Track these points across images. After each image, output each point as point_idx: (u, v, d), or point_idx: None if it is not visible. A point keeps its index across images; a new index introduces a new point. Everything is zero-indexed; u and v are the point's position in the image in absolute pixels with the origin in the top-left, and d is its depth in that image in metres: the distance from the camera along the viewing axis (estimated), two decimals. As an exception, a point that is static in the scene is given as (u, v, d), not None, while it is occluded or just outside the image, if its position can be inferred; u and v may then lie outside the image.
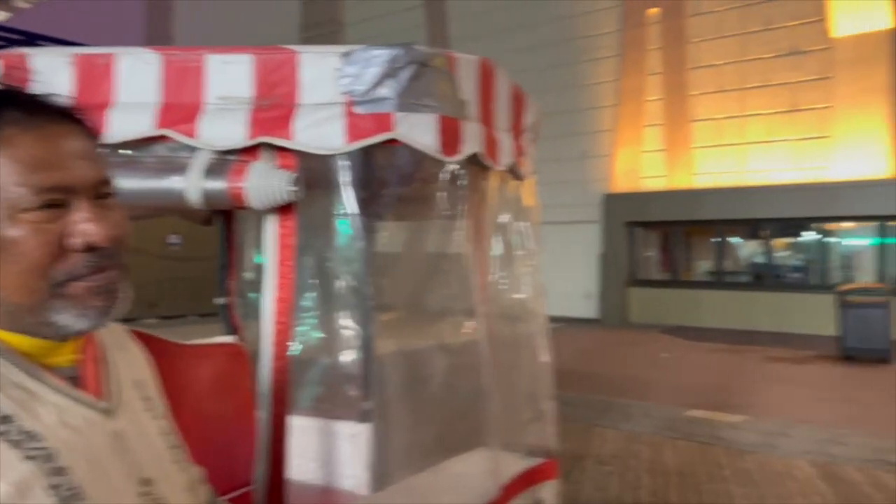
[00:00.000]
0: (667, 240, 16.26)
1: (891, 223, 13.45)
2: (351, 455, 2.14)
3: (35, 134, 0.78)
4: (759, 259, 15.32)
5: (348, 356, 1.82)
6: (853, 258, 14.40)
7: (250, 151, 1.58)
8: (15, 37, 15.28)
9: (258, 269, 2.81)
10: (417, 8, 17.85)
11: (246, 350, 2.69)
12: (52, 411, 0.80)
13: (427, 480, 1.99)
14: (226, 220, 2.87)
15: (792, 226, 14.72)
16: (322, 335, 1.66)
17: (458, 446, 2.00)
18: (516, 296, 2.18)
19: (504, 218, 2.13)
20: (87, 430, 0.82)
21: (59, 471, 0.76)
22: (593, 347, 11.97)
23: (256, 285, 2.83)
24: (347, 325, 1.79)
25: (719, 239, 15.48)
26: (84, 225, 0.79)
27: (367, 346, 1.85)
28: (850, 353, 10.12)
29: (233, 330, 2.89)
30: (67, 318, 0.80)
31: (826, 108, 13.62)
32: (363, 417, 2.09)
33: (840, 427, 6.47)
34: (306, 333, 1.65)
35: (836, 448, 5.81)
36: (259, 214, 1.65)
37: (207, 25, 17.90)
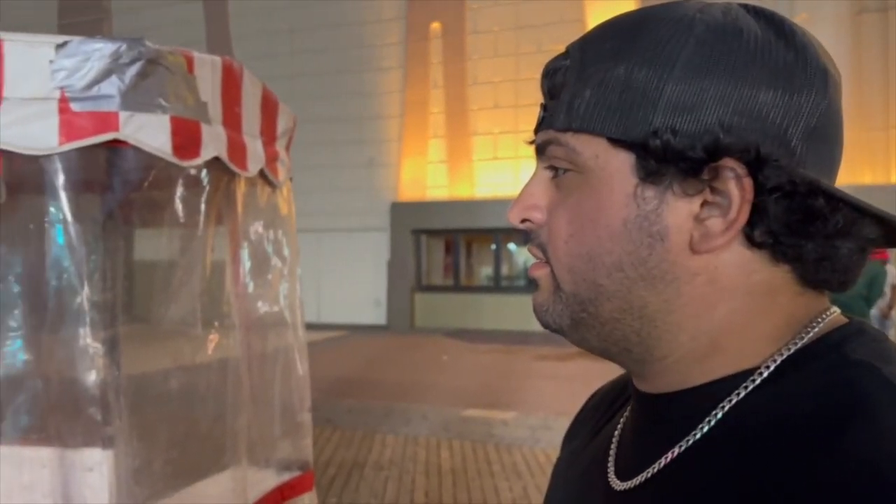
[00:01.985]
0: (450, 247, 16.95)
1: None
2: (92, 485, 1.94)
3: None
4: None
5: (84, 377, 1.65)
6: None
7: (-60, 149, 1.37)
8: None
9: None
10: (195, 1, 16.93)
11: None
12: None
13: (170, 506, 1.86)
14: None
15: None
16: (28, 357, 1.48)
17: (203, 469, 1.90)
18: (270, 307, 2.11)
19: (256, 226, 2.06)
20: None
21: None
22: (379, 354, 12.11)
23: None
24: (82, 342, 1.61)
25: (497, 246, 16.43)
26: None
27: (103, 366, 1.68)
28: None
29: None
30: None
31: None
32: (105, 444, 1.90)
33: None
34: (13, 355, 1.46)
35: (590, 436, 6.38)
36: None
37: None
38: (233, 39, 16.44)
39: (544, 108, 0.57)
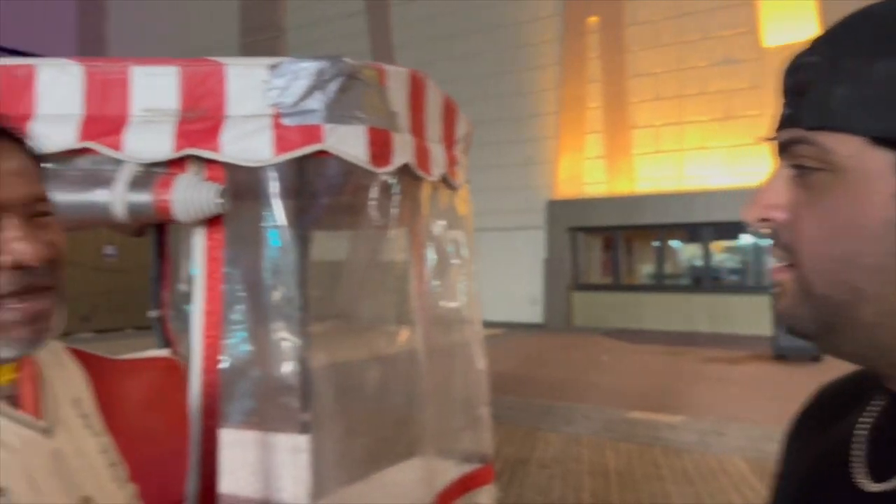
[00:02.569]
0: (608, 244, 16.60)
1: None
2: (290, 467, 2.13)
3: None
4: (698, 262, 15.76)
5: (285, 368, 1.82)
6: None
7: (177, 164, 1.57)
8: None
9: (193, 280, 2.78)
10: (359, 14, 17.81)
11: (179, 363, 2.66)
12: None
13: (362, 490, 1.99)
14: (158, 231, 2.82)
15: (729, 229, 15.21)
16: (251, 348, 1.65)
17: (393, 456, 2.02)
18: (451, 304, 2.20)
19: (438, 227, 2.16)
20: (25, 450, 0.81)
21: None
22: (537, 352, 12.11)
23: (190, 297, 2.81)
24: (283, 336, 1.78)
25: (659, 243, 15.87)
26: (13, 243, 0.78)
27: (302, 358, 1.84)
28: (783, 353, 10.49)
29: (166, 343, 2.84)
30: None
31: (758, 115, 14.14)
32: (302, 429, 2.08)
33: (771, 424, 6.71)
34: (236, 346, 1.64)
35: (767, 444, 6.02)
36: (188, 227, 1.64)
37: (142, 29, 17.46)
38: (395, 49, 17.13)
39: (787, 105, 0.56)
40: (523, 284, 16.24)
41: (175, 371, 2.61)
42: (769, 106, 13.90)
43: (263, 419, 1.95)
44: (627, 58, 15.60)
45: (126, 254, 13.79)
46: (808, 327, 0.55)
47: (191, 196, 1.50)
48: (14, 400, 0.84)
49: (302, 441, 2.08)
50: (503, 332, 14.40)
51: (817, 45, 0.54)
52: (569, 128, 16.28)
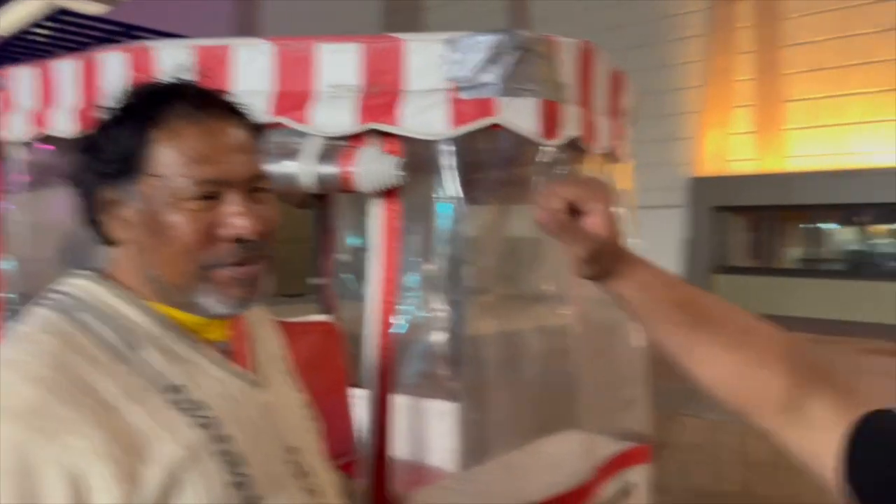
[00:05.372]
0: (755, 225, 15.67)
1: None
2: (440, 433, 2.20)
3: (200, 128, 0.85)
4: (856, 246, 14.55)
5: (440, 337, 1.88)
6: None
7: (358, 137, 1.65)
8: (114, 28, 16.06)
9: (352, 251, 2.92)
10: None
11: (339, 328, 2.80)
12: (214, 383, 0.87)
13: (519, 459, 2.03)
14: (322, 203, 2.98)
15: (893, 211, 13.92)
16: (424, 314, 1.71)
17: (552, 428, 2.04)
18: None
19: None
20: (243, 401, 0.90)
21: (223, 438, 0.83)
22: (676, 334, 11.70)
23: (350, 267, 2.95)
24: (442, 306, 1.84)
25: (812, 225, 14.80)
26: (235, 218, 0.85)
27: (458, 328, 1.90)
28: (956, 347, 9.55)
29: (328, 309, 3.01)
30: (209, 302, 0.86)
31: (932, 86, 12.78)
32: (452, 397, 2.14)
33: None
34: (409, 312, 1.71)
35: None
36: (361, 198, 1.72)
37: (292, 14, 18.31)
38: (533, 22, 16.90)
39: None
40: (660, 265, 15.70)
41: (335, 335, 2.75)
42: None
43: (420, 385, 2.02)
44: (782, 26, 14.54)
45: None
46: None
47: (374, 168, 1.57)
48: (229, 355, 0.93)
49: (450, 408, 2.14)
50: (638, 313, 14.00)
51: None
52: (714, 101, 15.45)
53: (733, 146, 15.35)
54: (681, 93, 15.83)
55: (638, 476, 2.17)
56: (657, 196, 15.56)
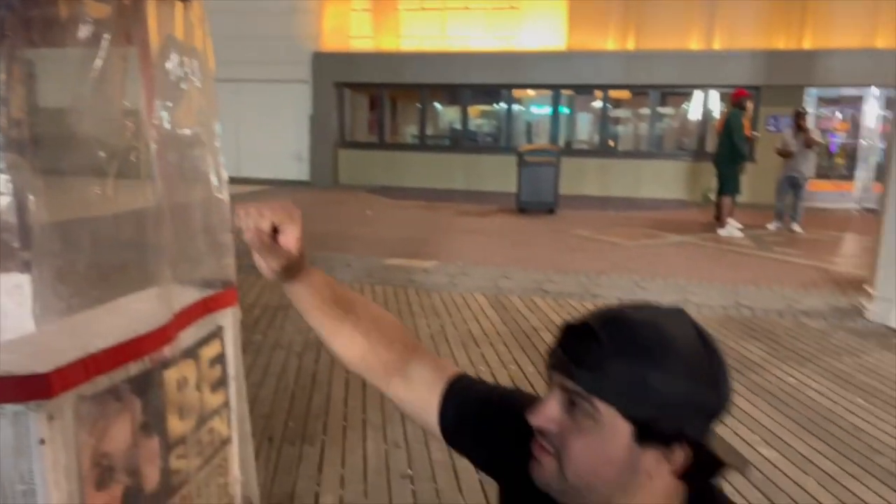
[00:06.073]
0: (374, 103, 16.60)
1: (565, 92, 15.22)
2: (14, 307, 2.00)
3: None
4: (457, 125, 16.44)
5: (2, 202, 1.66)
6: (535, 124, 16.15)
7: None
8: None
9: None
10: None
11: None
12: None
13: (94, 315, 1.94)
14: None
15: (486, 92, 15.92)
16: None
17: (131, 286, 1.97)
18: (185, 130, 2.12)
19: (168, 44, 2.02)
20: None
21: None
22: (302, 207, 11.81)
23: None
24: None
25: (422, 105, 16.20)
26: None
27: (21, 195, 1.69)
28: (525, 206, 11.60)
29: None
30: None
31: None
32: (23, 268, 1.94)
33: (509, 265, 7.52)
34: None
35: (504, 282, 6.76)
36: None
37: None
38: None
39: (569, 360, 0.80)
40: (288, 141, 15.82)
41: None
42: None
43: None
44: None
45: None
46: (557, 492, 0.83)
47: None
48: None
49: (23, 280, 1.96)
50: (267, 188, 14.09)
51: (604, 327, 0.78)
52: (334, -24, 15.54)
53: (353, 22, 15.76)
54: (302, -36, 15.55)
55: (226, 319, 2.23)
56: (285, 70, 15.40)
